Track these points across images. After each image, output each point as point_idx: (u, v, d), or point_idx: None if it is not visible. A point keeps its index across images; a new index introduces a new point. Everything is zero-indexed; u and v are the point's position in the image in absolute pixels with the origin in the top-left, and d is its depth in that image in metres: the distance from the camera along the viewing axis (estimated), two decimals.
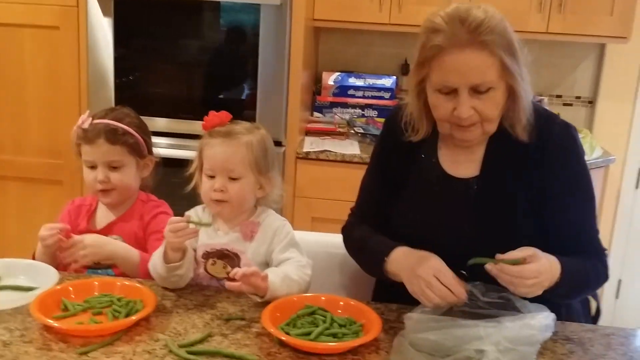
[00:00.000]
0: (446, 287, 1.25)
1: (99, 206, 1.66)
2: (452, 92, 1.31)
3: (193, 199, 1.53)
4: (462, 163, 1.42)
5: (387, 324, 1.30)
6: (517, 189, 1.37)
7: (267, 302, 1.31)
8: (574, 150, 1.40)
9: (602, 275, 1.40)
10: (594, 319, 1.55)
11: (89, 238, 1.50)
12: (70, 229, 1.53)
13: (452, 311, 1.27)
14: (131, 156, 1.61)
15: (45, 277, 1.41)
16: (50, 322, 1.21)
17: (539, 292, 1.23)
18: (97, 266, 1.56)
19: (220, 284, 1.47)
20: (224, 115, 1.48)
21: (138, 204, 1.65)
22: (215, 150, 1.44)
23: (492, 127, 1.36)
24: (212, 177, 1.45)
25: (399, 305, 1.39)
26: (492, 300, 1.28)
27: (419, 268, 1.28)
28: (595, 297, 1.55)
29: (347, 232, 1.56)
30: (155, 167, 1.69)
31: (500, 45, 1.28)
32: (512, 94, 1.33)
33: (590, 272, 1.37)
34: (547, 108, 1.46)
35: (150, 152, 1.67)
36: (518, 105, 1.34)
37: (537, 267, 1.22)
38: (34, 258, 1.55)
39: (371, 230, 1.48)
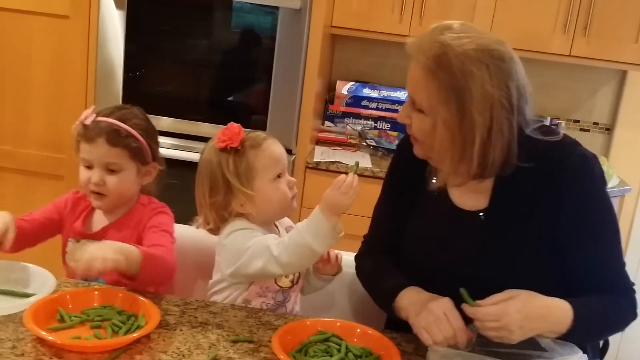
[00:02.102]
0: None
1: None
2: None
3: (193, 203, 1.44)
4: (470, 193, 1.34)
5: (404, 356, 1.22)
6: (528, 224, 1.29)
7: (278, 323, 1.25)
8: (592, 182, 1.29)
9: (629, 313, 1.32)
10: (602, 352, 1.48)
11: (94, 247, 1.25)
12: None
13: (475, 349, 1.19)
14: (132, 161, 1.47)
15: (42, 282, 1.32)
16: (44, 334, 1.12)
17: (515, 336, 1.16)
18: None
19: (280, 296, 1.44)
20: (239, 127, 1.40)
21: (138, 207, 1.51)
22: (273, 149, 1.40)
23: (430, 154, 1.29)
24: (279, 176, 1.40)
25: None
26: None
27: (432, 302, 1.23)
28: None
29: (359, 263, 1.52)
30: (158, 175, 1.55)
31: (438, 79, 1.19)
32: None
33: (612, 312, 1.28)
34: (567, 134, 1.36)
35: (155, 158, 1.53)
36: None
37: (496, 310, 1.15)
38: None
39: (382, 264, 1.44)
